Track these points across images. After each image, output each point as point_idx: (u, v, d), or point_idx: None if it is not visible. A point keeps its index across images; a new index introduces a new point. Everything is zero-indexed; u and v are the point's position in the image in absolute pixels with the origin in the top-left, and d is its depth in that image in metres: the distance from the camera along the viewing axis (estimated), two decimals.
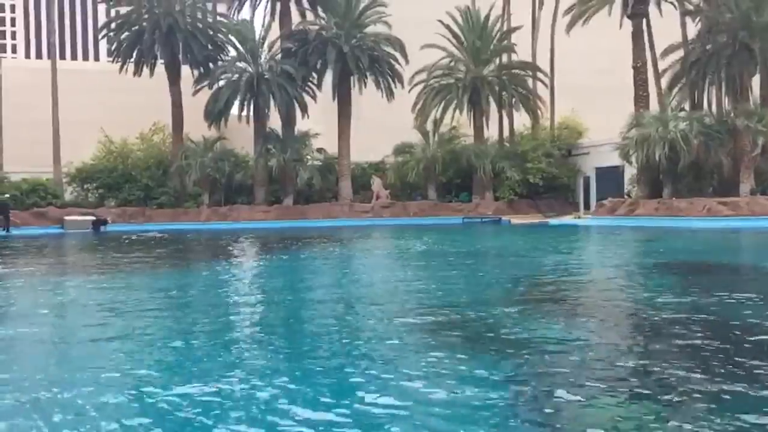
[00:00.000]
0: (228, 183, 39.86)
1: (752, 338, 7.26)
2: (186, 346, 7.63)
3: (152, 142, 44.38)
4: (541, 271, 14.67)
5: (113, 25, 42.43)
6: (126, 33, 41.10)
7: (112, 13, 44.32)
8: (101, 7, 55.36)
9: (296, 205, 39.60)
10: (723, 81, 31.67)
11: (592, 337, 7.71)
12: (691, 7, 34.54)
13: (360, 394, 5.66)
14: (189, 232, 32.47)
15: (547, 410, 5.16)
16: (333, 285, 13.59)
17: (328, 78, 40.28)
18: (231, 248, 23.81)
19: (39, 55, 52.94)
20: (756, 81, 31.64)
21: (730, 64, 30.58)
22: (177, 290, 12.96)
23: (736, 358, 6.35)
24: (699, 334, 7.52)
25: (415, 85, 40.03)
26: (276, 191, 40.55)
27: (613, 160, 35.26)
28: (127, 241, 26.81)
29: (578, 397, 5.39)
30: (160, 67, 41.43)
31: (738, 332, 7.51)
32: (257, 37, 40.95)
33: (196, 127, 40.86)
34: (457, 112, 39.57)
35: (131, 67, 41.01)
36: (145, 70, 41.03)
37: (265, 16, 42.46)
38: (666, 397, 5.31)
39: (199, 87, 40.68)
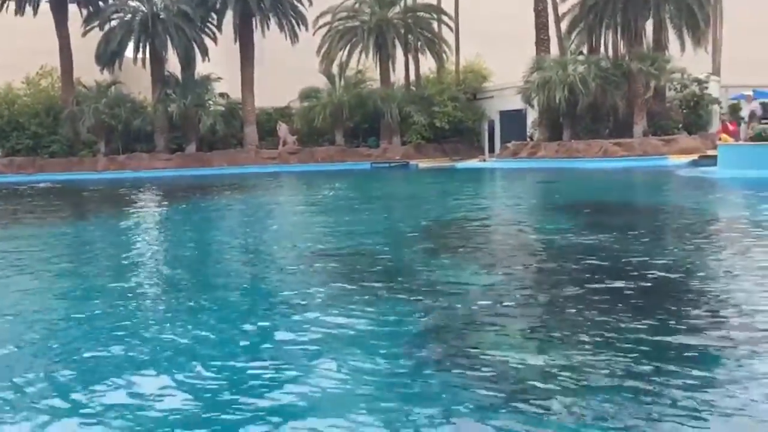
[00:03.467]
0: (126, 130, 37.95)
1: (640, 274, 7.60)
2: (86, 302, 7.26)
3: (40, 87, 41.49)
4: (448, 214, 14.88)
5: None
6: None
7: None
8: None
9: (199, 152, 38.34)
10: (618, 25, 32.58)
11: (497, 278, 7.87)
12: None
13: (270, 339, 5.57)
14: (83, 183, 30.92)
15: (455, 354, 5.22)
16: (238, 234, 13.29)
17: (229, 19, 38.67)
18: (127, 199, 22.85)
19: None
20: (649, 25, 32.73)
21: (626, 9, 31.44)
22: (64, 245, 12.32)
23: (629, 297, 6.63)
24: (595, 273, 7.81)
25: (320, 27, 39.04)
26: (177, 138, 39.04)
27: (517, 103, 35.95)
28: (5, 193, 25.21)
29: (485, 341, 5.48)
30: (45, 6, 38.45)
31: (632, 270, 7.84)
32: None
33: (89, 71, 38.45)
34: (363, 55, 39.01)
35: (12, 6, 37.84)
36: (29, 10, 38.02)
37: None
38: (573, 338, 5.48)
39: (88, 27, 38.17)
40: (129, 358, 5.22)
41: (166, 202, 21.46)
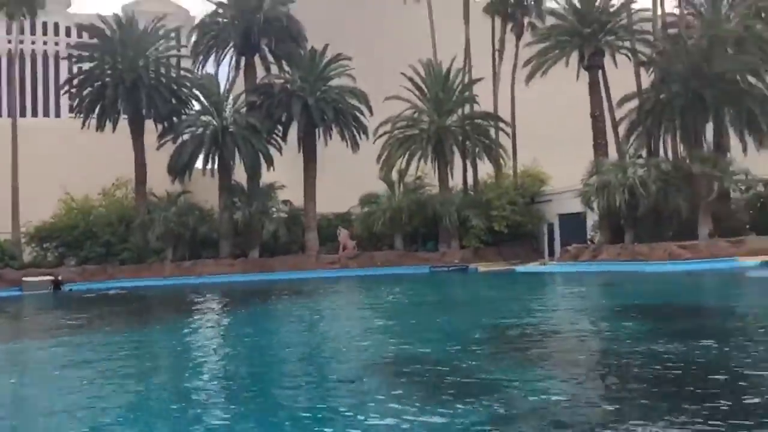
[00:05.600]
0: (192, 237, 39.22)
1: (714, 378, 7.27)
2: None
3: (115, 198, 43.73)
4: (508, 318, 14.65)
5: (75, 81, 42.19)
6: (89, 89, 40.80)
7: (74, 69, 44.04)
8: (63, 64, 55.07)
9: (262, 257, 39.18)
10: (678, 128, 32.54)
11: (556, 384, 7.65)
12: (644, 59, 35.71)
13: None
14: (151, 288, 31.83)
15: None
16: (298, 339, 13.36)
17: (294, 130, 40.46)
18: (192, 304, 23.36)
19: None
20: (709, 128, 32.56)
21: (684, 113, 31.47)
22: (138, 348, 12.62)
23: (692, 400, 6.34)
24: (658, 377, 7.51)
25: (380, 136, 40.33)
26: (242, 244, 40.07)
27: (576, 206, 35.78)
28: (83, 300, 26.12)
29: None
30: (123, 122, 41.13)
31: (703, 375, 7.52)
32: (222, 90, 41.12)
33: (160, 182, 40.41)
34: (422, 162, 39.90)
35: (93, 122, 40.61)
36: (108, 125, 40.68)
37: (229, 71, 42.70)
38: None
39: (163, 141, 40.37)
40: None
41: (228, 308, 21.84)
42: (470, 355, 9.81)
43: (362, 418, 6.38)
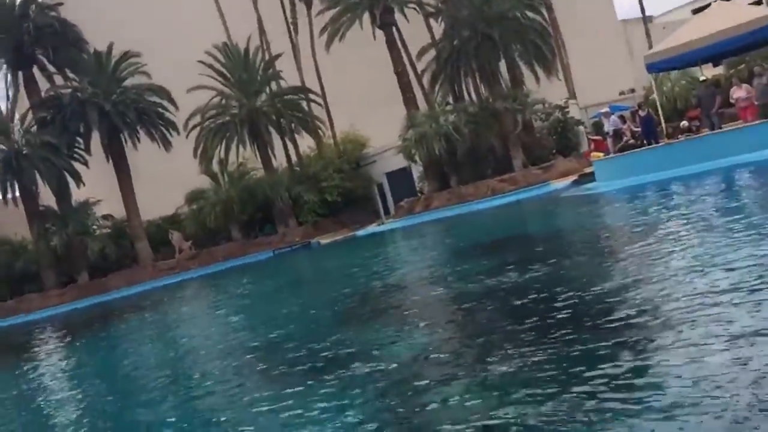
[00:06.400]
0: (8, 274, 35.90)
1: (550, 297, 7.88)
2: None
3: None
4: (361, 283, 14.89)
5: None
6: None
7: None
8: None
9: (93, 279, 36.67)
10: (475, 71, 34.46)
11: (424, 336, 7.92)
12: (432, 10, 37.22)
13: None
14: None
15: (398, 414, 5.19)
16: (151, 358, 12.72)
17: (97, 139, 37.83)
18: (22, 346, 21.41)
19: None
20: (503, 66, 34.77)
21: (478, 55, 33.35)
22: None
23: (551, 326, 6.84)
24: (514, 306, 8.04)
25: (192, 129, 38.89)
26: (68, 270, 37.24)
27: (400, 162, 36.94)
28: None
29: (428, 398, 5.49)
30: None
31: (558, 293, 8.11)
32: (5, 112, 37.42)
33: None
34: (241, 147, 39.08)
35: None
36: None
37: (7, 89, 38.84)
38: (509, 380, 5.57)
39: None
40: None
41: (66, 341, 20.27)
42: (335, 328, 9.87)
43: (241, 410, 6.23)
